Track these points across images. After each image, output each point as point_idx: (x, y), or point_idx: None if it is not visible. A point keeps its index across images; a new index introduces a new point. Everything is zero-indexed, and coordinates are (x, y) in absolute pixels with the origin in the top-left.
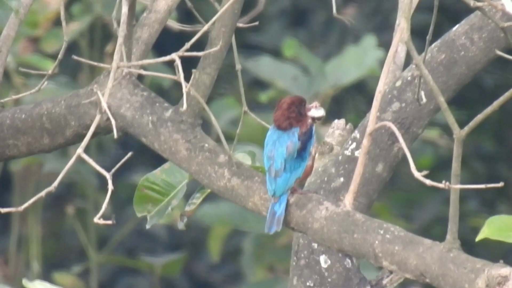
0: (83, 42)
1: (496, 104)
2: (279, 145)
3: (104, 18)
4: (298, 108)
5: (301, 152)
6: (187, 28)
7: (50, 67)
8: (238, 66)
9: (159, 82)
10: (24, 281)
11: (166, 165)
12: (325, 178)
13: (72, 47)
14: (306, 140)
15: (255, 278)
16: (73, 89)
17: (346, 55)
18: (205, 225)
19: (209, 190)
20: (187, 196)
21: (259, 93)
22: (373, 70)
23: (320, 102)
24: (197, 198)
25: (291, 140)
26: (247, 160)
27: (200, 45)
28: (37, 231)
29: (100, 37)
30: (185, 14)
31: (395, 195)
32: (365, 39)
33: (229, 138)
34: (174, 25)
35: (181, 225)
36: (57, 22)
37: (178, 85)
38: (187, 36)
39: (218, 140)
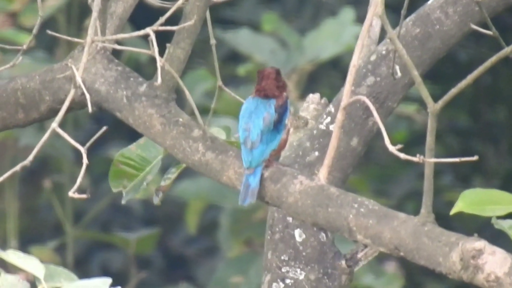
0: (61, 17)
1: (470, 78)
2: (256, 117)
3: None
4: (281, 77)
5: (277, 124)
6: (166, 4)
7: (27, 41)
8: (213, 41)
9: (136, 57)
10: None
11: (141, 140)
12: (300, 152)
13: (50, 22)
14: (282, 112)
15: (232, 252)
16: (50, 64)
17: (323, 29)
18: (182, 200)
19: (184, 165)
20: (163, 171)
21: (235, 67)
22: (350, 45)
23: (297, 76)
24: (172, 173)
25: (267, 112)
26: (221, 135)
27: (175, 19)
28: (13, 205)
29: (77, 12)
30: None
31: (369, 170)
32: (343, 13)
33: (204, 111)
34: (154, 2)
35: (156, 200)
36: None
37: (152, 60)
38: (164, 10)
39: (192, 114)
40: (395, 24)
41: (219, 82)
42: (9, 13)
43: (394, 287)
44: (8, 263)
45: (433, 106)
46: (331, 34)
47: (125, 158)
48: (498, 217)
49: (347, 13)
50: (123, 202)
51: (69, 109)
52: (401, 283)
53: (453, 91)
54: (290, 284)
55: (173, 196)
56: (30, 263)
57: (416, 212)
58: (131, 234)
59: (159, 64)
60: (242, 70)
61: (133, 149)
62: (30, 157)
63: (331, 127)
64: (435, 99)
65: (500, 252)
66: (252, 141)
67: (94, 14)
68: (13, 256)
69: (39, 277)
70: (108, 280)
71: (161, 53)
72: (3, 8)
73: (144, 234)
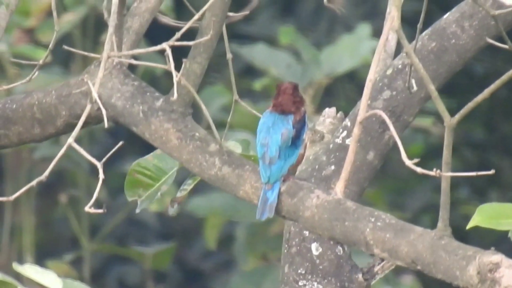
0: (77, 32)
1: (486, 92)
2: (274, 132)
3: (98, 8)
4: (299, 93)
5: (295, 139)
6: (180, 24)
7: (43, 56)
8: (229, 55)
9: (152, 71)
10: (15, 265)
11: (158, 151)
12: (316, 166)
13: (66, 37)
14: (300, 127)
15: (248, 266)
16: (66, 79)
17: (340, 44)
18: (197, 216)
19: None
20: (179, 183)
21: (251, 81)
22: (366, 59)
23: (313, 90)
24: (188, 185)
25: (285, 128)
26: (237, 149)
27: (191, 34)
28: (29, 219)
29: (93, 27)
30: (176, 3)
31: (386, 183)
32: (359, 28)
33: (221, 126)
34: (169, 21)
35: (171, 211)
36: (51, 12)
37: (169, 74)
38: (180, 25)
39: (209, 129)
40: (411, 38)
41: (235, 96)
42: (25, 29)
43: None
44: (24, 277)
45: (449, 120)
46: (348, 49)
47: (142, 168)
48: None
49: (364, 28)
50: (137, 211)
51: (85, 124)
52: None
53: (470, 105)
54: None
55: (189, 210)
56: (47, 277)
57: (432, 225)
58: (148, 248)
59: (175, 79)
60: (258, 84)
61: (150, 159)
62: (46, 172)
63: (348, 141)
64: (452, 113)
65: None
66: (271, 157)
67: (111, 29)
68: (30, 270)
69: None
70: None
71: (178, 68)
72: (19, 24)
73: (161, 249)
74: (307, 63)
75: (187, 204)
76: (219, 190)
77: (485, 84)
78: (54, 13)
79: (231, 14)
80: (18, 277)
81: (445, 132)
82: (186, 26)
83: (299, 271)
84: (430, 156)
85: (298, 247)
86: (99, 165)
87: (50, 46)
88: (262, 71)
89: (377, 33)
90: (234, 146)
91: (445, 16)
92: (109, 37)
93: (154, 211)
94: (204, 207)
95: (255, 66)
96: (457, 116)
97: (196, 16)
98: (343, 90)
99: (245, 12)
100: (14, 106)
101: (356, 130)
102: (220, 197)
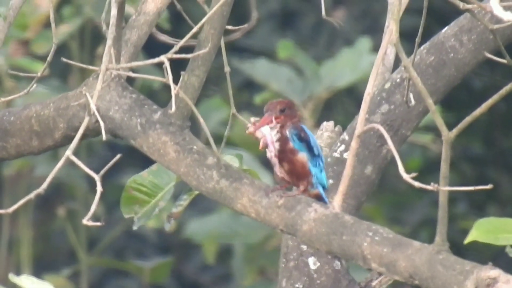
0: (74, 45)
1: (485, 106)
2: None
3: (95, 20)
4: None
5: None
6: (178, 41)
7: (41, 69)
8: (227, 69)
9: (149, 84)
10: (11, 276)
11: (153, 167)
12: None
13: (63, 50)
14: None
15: (246, 281)
16: (63, 92)
17: (340, 58)
18: (195, 241)
19: (196, 192)
20: (175, 198)
21: (251, 94)
22: (366, 74)
23: (313, 104)
24: (184, 200)
25: None
26: (235, 163)
27: (189, 47)
28: (27, 233)
29: (90, 39)
30: (174, 16)
31: (384, 198)
32: (360, 42)
33: (219, 139)
34: (167, 39)
35: (167, 226)
36: (48, 24)
37: (167, 87)
38: (177, 38)
39: (207, 142)
40: (410, 52)
41: (233, 110)
42: (22, 41)
43: None
44: None
45: (447, 134)
46: (348, 63)
47: (137, 184)
48: None
49: (364, 42)
50: (134, 228)
51: (83, 137)
52: None
53: (468, 119)
54: None
55: (186, 224)
56: None
57: (430, 240)
58: (146, 262)
59: (173, 91)
60: (258, 99)
61: (145, 176)
62: (44, 185)
63: (345, 155)
64: (450, 127)
65: None
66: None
67: (109, 41)
68: (27, 281)
69: None
70: None
71: (176, 81)
72: (16, 36)
73: (159, 262)
74: (307, 77)
75: (184, 229)
76: (215, 212)
77: (484, 98)
78: (53, 25)
79: (229, 27)
80: None
81: (443, 146)
82: (185, 39)
83: (297, 285)
84: (428, 170)
85: (296, 261)
86: (97, 178)
87: (49, 58)
88: (263, 85)
89: (377, 48)
90: (231, 160)
91: (443, 30)
92: (107, 49)
93: (153, 226)
94: (201, 232)
95: (256, 81)
96: (455, 130)
97: (195, 29)
98: (342, 104)
99: (244, 26)
100: (12, 118)
101: (354, 144)
102: (216, 220)
